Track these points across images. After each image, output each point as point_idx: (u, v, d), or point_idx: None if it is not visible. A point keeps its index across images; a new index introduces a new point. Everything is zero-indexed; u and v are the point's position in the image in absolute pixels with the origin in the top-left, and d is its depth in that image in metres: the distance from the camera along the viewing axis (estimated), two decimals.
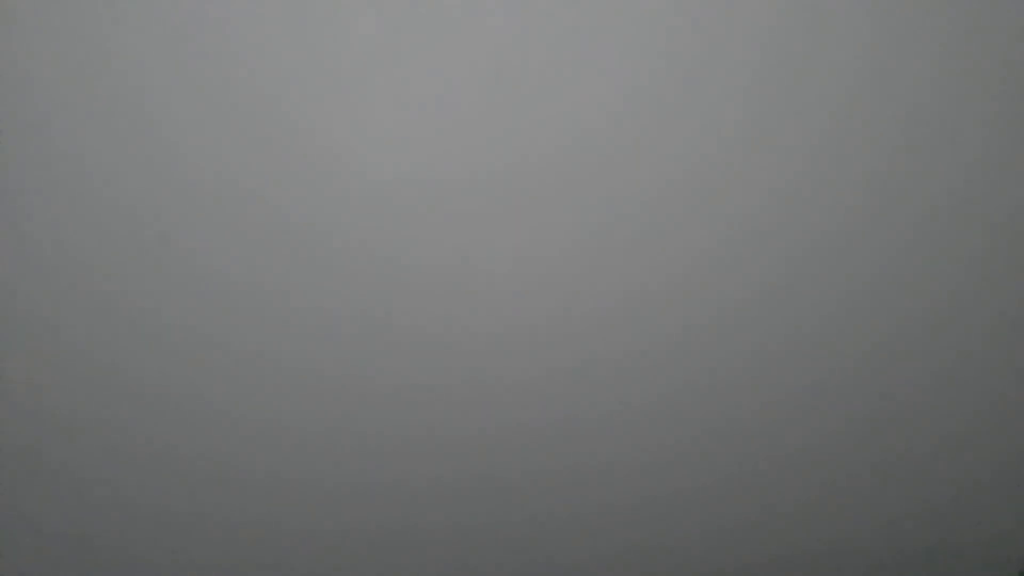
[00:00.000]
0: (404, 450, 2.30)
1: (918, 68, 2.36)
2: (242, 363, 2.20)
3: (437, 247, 2.25)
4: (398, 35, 2.17)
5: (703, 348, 2.38)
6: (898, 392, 2.47)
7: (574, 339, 2.33)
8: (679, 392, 2.39)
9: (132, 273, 2.14)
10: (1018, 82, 2.40)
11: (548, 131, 2.25)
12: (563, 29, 2.23)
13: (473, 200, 2.25)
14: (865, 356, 2.45)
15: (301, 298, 2.22)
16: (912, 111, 2.38)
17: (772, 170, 2.36)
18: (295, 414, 2.24)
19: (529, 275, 2.30)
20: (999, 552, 2.55)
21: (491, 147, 2.25)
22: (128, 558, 2.21)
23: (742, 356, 2.41)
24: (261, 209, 2.17)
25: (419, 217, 2.23)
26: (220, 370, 2.20)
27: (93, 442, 2.17)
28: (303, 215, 2.19)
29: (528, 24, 2.21)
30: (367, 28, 2.15)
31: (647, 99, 2.27)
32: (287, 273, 2.20)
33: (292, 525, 2.27)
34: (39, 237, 2.09)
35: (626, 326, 2.35)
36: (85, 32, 2.05)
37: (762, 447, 2.44)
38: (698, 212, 2.34)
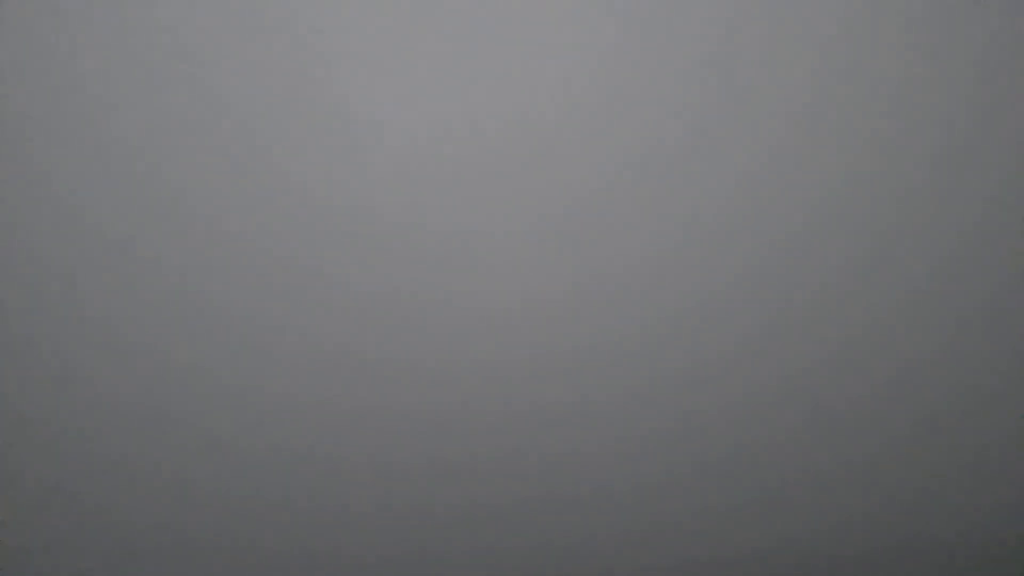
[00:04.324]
0: (408, 427, 2.31)
1: (886, 63, 2.38)
2: (251, 336, 2.22)
3: (444, 220, 2.26)
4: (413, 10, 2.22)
5: (686, 336, 2.39)
6: (879, 384, 2.47)
7: (568, 322, 2.34)
8: (658, 381, 2.39)
9: (152, 244, 2.17)
10: (983, 78, 2.42)
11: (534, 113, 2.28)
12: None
13: (481, 176, 2.27)
14: (842, 347, 2.44)
15: (312, 272, 2.24)
16: (882, 100, 2.38)
17: (752, 152, 2.36)
18: (300, 387, 2.26)
19: (528, 253, 2.31)
20: (1003, 548, 2.53)
21: (501, 124, 2.27)
22: (148, 530, 2.23)
23: (721, 346, 2.40)
24: (281, 180, 2.20)
25: (431, 189, 2.25)
26: (231, 344, 2.22)
27: (119, 415, 2.19)
28: (323, 187, 2.21)
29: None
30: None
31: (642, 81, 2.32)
32: (302, 245, 2.22)
33: (298, 502, 2.29)
34: (72, 210, 2.12)
35: (605, 314, 2.35)
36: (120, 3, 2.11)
37: (741, 439, 2.44)
38: (675, 198, 2.35)
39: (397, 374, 2.29)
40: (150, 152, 2.14)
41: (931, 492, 2.51)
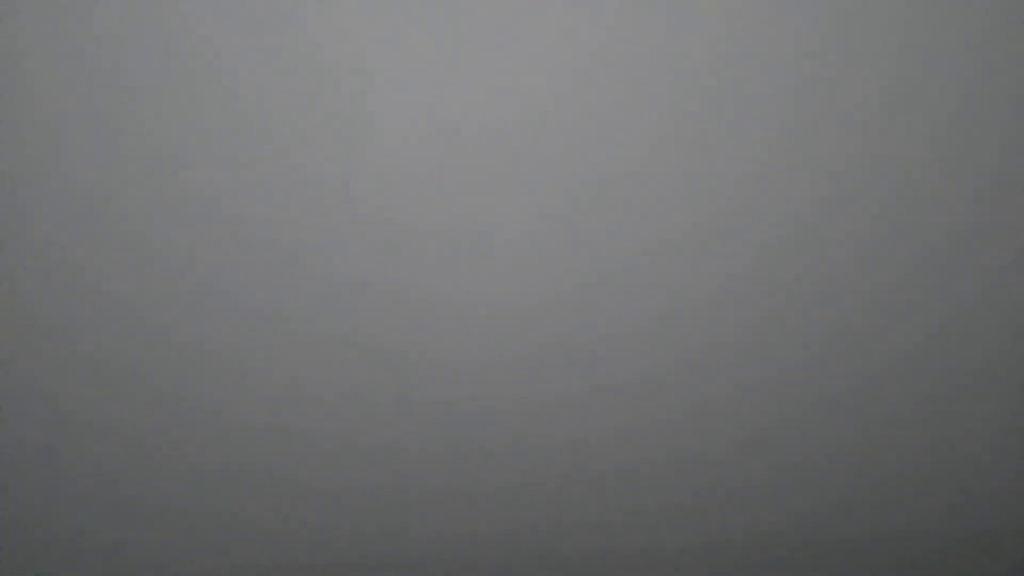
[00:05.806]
0: (405, 419, 2.32)
1: (885, 63, 2.37)
2: (252, 326, 2.23)
3: (448, 218, 2.27)
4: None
5: (686, 331, 2.39)
6: (876, 376, 2.47)
7: (567, 318, 2.35)
8: (662, 372, 2.39)
9: (158, 229, 2.18)
10: (986, 77, 2.41)
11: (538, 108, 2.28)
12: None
13: (484, 174, 2.27)
14: (836, 340, 2.44)
15: (315, 265, 2.25)
16: (883, 99, 2.38)
17: (755, 151, 2.36)
18: (307, 380, 2.28)
19: (528, 252, 2.32)
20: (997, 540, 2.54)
21: (504, 121, 2.27)
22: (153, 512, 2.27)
23: (720, 342, 2.40)
24: (286, 174, 2.21)
25: (435, 186, 2.25)
26: (232, 334, 2.23)
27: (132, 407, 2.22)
28: (326, 182, 2.22)
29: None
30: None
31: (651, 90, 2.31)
32: (304, 239, 2.23)
33: (306, 483, 2.31)
34: (84, 203, 2.14)
35: (609, 309, 2.36)
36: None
37: (740, 430, 2.44)
38: (679, 195, 2.35)
39: (408, 368, 2.30)
40: (163, 150, 2.15)
41: (930, 482, 2.52)
